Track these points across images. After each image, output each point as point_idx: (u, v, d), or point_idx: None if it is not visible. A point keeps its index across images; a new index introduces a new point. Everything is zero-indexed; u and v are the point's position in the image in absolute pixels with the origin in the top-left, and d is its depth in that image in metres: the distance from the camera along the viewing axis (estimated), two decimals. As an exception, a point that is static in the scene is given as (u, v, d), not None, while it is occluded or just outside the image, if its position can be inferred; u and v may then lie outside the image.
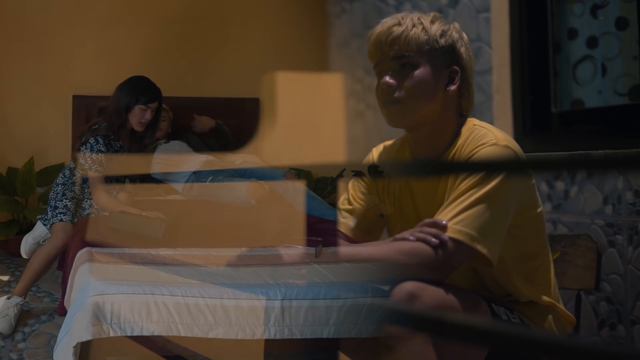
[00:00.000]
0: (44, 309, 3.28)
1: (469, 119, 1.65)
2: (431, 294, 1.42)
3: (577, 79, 2.63)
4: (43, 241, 3.26)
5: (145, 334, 1.89)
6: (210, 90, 4.46)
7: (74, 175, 3.19)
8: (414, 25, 1.59)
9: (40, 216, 3.29)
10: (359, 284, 1.97)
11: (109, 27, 4.37)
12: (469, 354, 1.48)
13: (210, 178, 3.55)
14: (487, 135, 1.56)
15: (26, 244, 3.33)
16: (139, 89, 3.17)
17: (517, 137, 2.52)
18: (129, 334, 1.88)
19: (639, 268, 2.20)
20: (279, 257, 1.85)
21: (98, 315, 1.87)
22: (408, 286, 1.41)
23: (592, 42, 2.57)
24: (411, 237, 1.48)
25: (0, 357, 2.91)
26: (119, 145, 3.18)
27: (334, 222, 1.78)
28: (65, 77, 4.29)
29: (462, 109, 1.65)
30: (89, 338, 1.85)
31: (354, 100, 3.95)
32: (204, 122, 4.14)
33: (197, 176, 3.59)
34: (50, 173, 3.98)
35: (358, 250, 1.58)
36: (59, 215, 3.13)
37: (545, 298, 1.66)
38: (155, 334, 1.89)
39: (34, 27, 4.29)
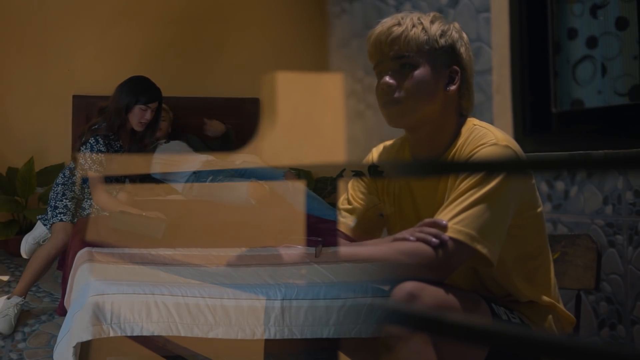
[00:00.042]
0: (44, 309, 3.28)
1: (469, 119, 1.65)
2: (431, 294, 1.42)
3: (576, 79, 2.63)
4: (43, 241, 3.26)
5: (145, 334, 1.89)
6: (210, 90, 4.46)
7: (74, 175, 3.19)
8: (413, 26, 1.59)
9: (40, 216, 3.29)
10: (359, 284, 1.97)
11: (109, 27, 4.37)
12: (469, 354, 1.48)
13: (210, 178, 3.55)
14: (487, 135, 1.56)
15: (26, 244, 3.33)
16: (139, 89, 3.17)
17: (517, 137, 2.52)
18: (129, 334, 1.88)
19: (639, 268, 2.20)
20: (279, 257, 1.85)
21: (98, 315, 1.87)
22: (408, 286, 1.41)
23: (592, 42, 2.57)
24: (411, 238, 1.48)
25: (0, 357, 2.91)
26: (119, 145, 3.18)
27: (334, 222, 1.78)
28: (65, 77, 4.28)
29: (462, 109, 1.65)
30: (89, 338, 1.85)
31: (354, 100, 3.95)
32: (216, 127, 4.15)
33: (197, 176, 3.59)
34: (50, 173, 3.98)
35: (358, 250, 1.58)
36: (59, 215, 3.13)
37: (545, 298, 1.66)
38: (155, 334, 1.89)
39: (34, 27, 4.29)
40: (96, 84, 4.06)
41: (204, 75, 4.49)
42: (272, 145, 3.99)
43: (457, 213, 1.48)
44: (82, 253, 2.51)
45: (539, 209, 1.64)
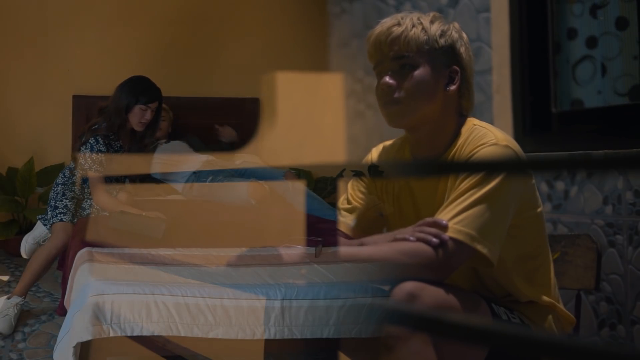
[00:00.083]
0: (44, 309, 3.28)
1: (469, 119, 1.65)
2: (431, 294, 1.42)
3: (576, 79, 2.63)
4: (43, 241, 3.26)
5: (145, 334, 1.89)
6: (210, 90, 4.46)
7: (74, 175, 3.19)
8: (413, 26, 1.59)
9: (40, 216, 3.29)
10: (359, 284, 1.97)
11: (109, 27, 4.37)
12: (469, 354, 1.48)
13: (210, 178, 3.55)
14: (487, 135, 1.56)
15: (26, 244, 3.33)
16: (139, 89, 3.17)
17: (517, 137, 2.52)
18: (129, 334, 1.88)
19: (639, 268, 2.20)
20: (279, 257, 1.85)
21: (98, 315, 1.87)
22: (408, 286, 1.41)
23: (591, 42, 2.57)
24: (411, 238, 1.48)
25: (0, 357, 2.91)
26: (119, 145, 3.18)
27: (334, 222, 1.78)
28: (65, 77, 4.28)
29: (462, 109, 1.65)
30: (89, 338, 1.85)
31: (354, 100, 3.95)
32: (229, 133, 4.17)
33: (197, 176, 3.59)
34: (50, 173, 3.98)
35: (358, 250, 1.58)
36: (59, 215, 3.13)
37: (545, 298, 1.66)
38: (155, 334, 1.89)
39: (34, 27, 4.29)
40: (96, 84, 4.06)
41: (204, 75, 4.49)
42: (272, 145, 3.99)
43: (457, 213, 1.48)
44: (82, 253, 2.52)
45: (539, 209, 1.64)
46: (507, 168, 1.02)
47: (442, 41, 1.59)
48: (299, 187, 3.70)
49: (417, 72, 1.58)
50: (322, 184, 4.19)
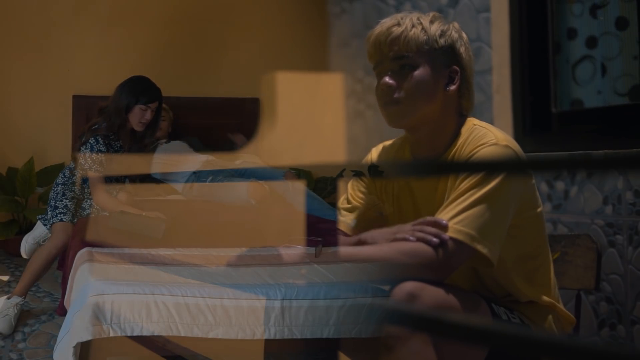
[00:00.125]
0: (44, 309, 3.28)
1: (468, 119, 1.65)
2: (431, 294, 1.42)
3: (576, 79, 2.63)
4: (43, 241, 3.26)
5: (145, 334, 1.89)
6: (210, 90, 4.46)
7: (74, 175, 3.19)
8: (413, 26, 1.59)
9: (40, 216, 3.29)
10: (359, 284, 1.97)
11: (109, 27, 4.37)
12: (469, 354, 1.48)
13: (210, 178, 3.55)
14: (487, 135, 1.56)
15: (26, 244, 3.33)
16: (139, 89, 3.17)
17: (517, 137, 2.52)
18: (129, 334, 1.88)
19: (639, 268, 2.20)
20: (279, 257, 1.85)
21: (98, 315, 1.87)
22: (408, 286, 1.41)
23: (591, 42, 2.57)
24: (412, 238, 1.48)
25: (0, 357, 2.91)
26: (119, 145, 3.18)
27: (334, 222, 1.78)
28: (65, 77, 4.28)
29: (462, 109, 1.65)
30: (89, 338, 1.85)
31: (354, 100, 3.95)
32: (242, 139, 4.18)
33: (197, 176, 3.59)
34: (50, 173, 3.98)
35: (358, 250, 1.58)
36: (59, 215, 3.13)
37: (545, 298, 1.66)
38: (155, 334, 1.89)
39: (34, 27, 4.29)
40: (96, 84, 4.06)
41: (204, 75, 4.49)
42: (272, 145, 3.99)
43: (457, 213, 1.48)
44: (82, 253, 2.52)
45: (539, 209, 1.64)
46: (507, 168, 1.02)
47: (441, 41, 1.59)
48: (299, 187, 3.70)
49: (417, 72, 1.58)
50: (322, 184, 4.19)
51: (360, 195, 1.78)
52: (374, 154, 1.81)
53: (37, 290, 3.46)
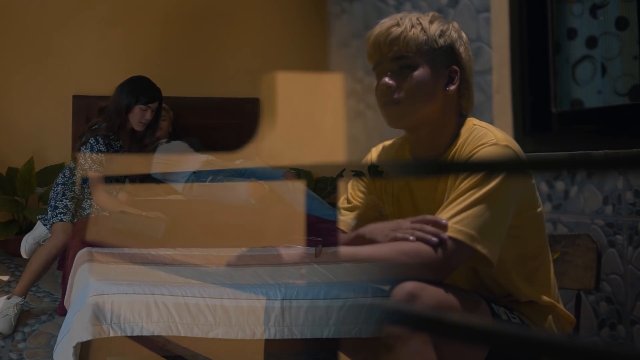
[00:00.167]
0: (44, 309, 3.28)
1: (468, 119, 1.65)
2: (431, 294, 1.42)
3: (576, 79, 2.63)
4: (43, 241, 3.26)
5: (145, 334, 1.89)
6: (210, 90, 4.46)
7: (74, 175, 3.19)
8: (412, 26, 1.58)
9: (40, 216, 3.29)
10: (359, 284, 1.97)
11: (109, 27, 4.37)
12: (469, 354, 1.48)
13: (210, 178, 3.55)
14: (487, 135, 1.56)
15: (26, 244, 3.33)
16: (139, 89, 3.17)
17: (517, 137, 2.52)
18: (129, 334, 1.88)
19: (639, 268, 2.20)
20: (279, 257, 1.85)
21: (98, 315, 1.87)
22: (408, 286, 1.41)
23: (591, 42, 2.57)
24: (411, 237, 1.48)
25: (0, 357, 2.91)
26: (119, 145, 3.18)
27: (334, 222, 1.78)
28: (65, 77, 4.28)
29: (461, 109, 1.65)
30: (89, 338, 1.85)
31: (354, 100, 3.95)
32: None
33: (197, 176, 3.59)
34: (50, 173, 3.98)
35: (358, 250, 1.58)
36: (59, 215, 3.13)
37: (545, 298, 1.66)
38: (155, 334, 1.89)
39: (34, 27, 4.29)
40: (96, 84, 4.06)
41: (204, 75, 4.49)
42: (272, 145, 3.99)
43: (457, 213, 1.48)
44: (82, 253, 2.52)
45: (539, 209, 1.64)
46: (507, 168, 1.02)
47: (441, 41, 1.59)
48: (299, 187, 3.70)
49: (416, 73, 1.58)
50: (322, 184, 4.19)
51: (360, 195, 1.78)
52: (374, 154, 1.81)
53: (37, 290, 3.46)
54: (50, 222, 3.16)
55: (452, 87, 1.61)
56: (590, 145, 2.33)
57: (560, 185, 2.51)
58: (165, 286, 2.00)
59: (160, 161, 3.67)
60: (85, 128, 3.20)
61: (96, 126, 3.15)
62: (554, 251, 1.91)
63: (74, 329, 1.87)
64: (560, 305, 1.70)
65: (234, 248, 2.60)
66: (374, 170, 1.78)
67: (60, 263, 3.19)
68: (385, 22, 1.61)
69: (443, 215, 1.50)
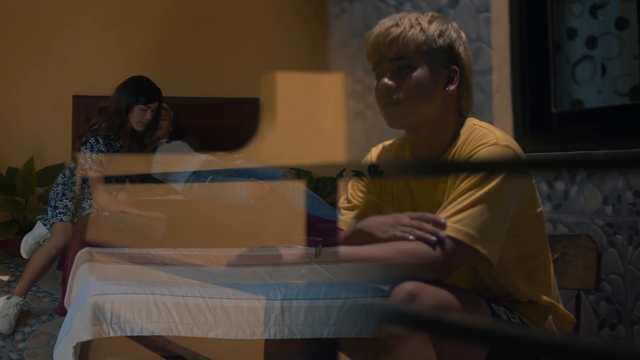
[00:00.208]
0: (44, 309, 3.28)
1: (468, 119, 1.65)
2: (431, 294, 1.42)
3: (576, 79, 2.63)
4: (43, 241, 3.26)
5: (145, 334, 1.89)
6: (210, 90, 4.46)
7: (74, 175, 3.19)
8: (411, 26, 1.58)
9: (40, 216, 3.29)
10: (359, 284, 1.97)
11: (109, 27, 4.38)
12: (469, 354, 1.48)
13: (210, 178, 3.55)
14: (487, 135, 1.55)
15: (26, 244, 3.33)
16: (139, 89, 3.17)
17: (517, 137, 2.52)
18: (129, 334, 1.88)
19: (639, 268, 2.20)
20: (279, 257, 1.85)
21: (98, 315, 1.87)
22: (408, 286, 1.41)
23: (591, 42, 2.57)
24: (411, 237, 1.48)
25: (0, 357, 2.91)
26: (119, 145, 3.18)
27: (334, 222, 1.78)
28: (65, 77, 4.29)
29: (461, 109, 1.65)
30: (89, 338, 1.85)
31: (354, 100, 3.95)
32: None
33: (197, 176, 3.59)
34: (50, 173, 3.98)
35: (358, 250, 1.58)
36: (59, 215, 3.13)
37: (545, 298, 1.66)
38: (155, 334, 1.89)
39: (34, 28, 4.29)
40: (96, 84, 4.06)
41: (204, 75, 4.49)
42: (272, 145, 3.99)
43: (457, 212, 1.48)
44: (82, 253, 2.52)
45: (539, 209, 1.64)
46: (507, 168, 1.02)
47: (440, 41, 1.59)
48: (299, 187, 3.70)
49: (415, 73, 1.58)
50: (322, 184, 4.19)
51: (360, 194, 1.78)
52: (373, 154, 1.81)
53: (37, 290, 3.46)
54: (50, 222, 3.16)
55: (452, 87, 1.61)
56: (590, 145, 2.33)
57: (560, 185, 2.51)
58: (165, 286, 2.00)
59: (161, 161, 3.67)
60: (85, 128, 3.20)
61: (96, 126, 3.15)
62: (554, 251, 1.91)
63: (74, 329, 1.87)
64: (560, 305, 1.70)
65: (234, 248, 2.60)
66: (374, 170, 1.78)
67: (60, 263, 3.19)
68: (385, 23, 1.61)
69: (443, 215, 1.50)
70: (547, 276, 1.68)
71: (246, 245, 2.51)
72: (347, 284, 1.99)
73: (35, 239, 3.31)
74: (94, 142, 3.07)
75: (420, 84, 1.58)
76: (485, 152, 1.52)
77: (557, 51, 2.68)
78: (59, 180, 3.20)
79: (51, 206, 3.16)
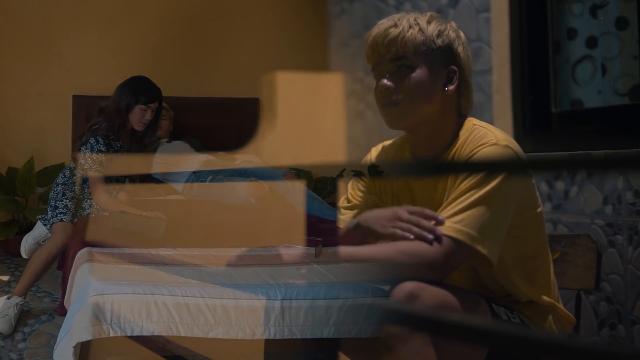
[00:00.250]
0: (44, 309, 3.28)
1: (468, 119, 1.65)
2: (431, 294, 1.42)
3: (576, 79, 2.63)
4: (43, 241, 3.26)
5: (145, 334, 1.89)
6: (210, 90, 4.46)
7: (74, 175, 3.19)
8: (410, 27, 1.58)
9: (40, 216, 3.29)
10: (359, 284, 1.97)
11: (109, 27, 4.38)
12: (469, 354, 1.48)
13: (210, 178, 3.56)
14: (487, 135, 1.55)
15: (26, 244, 3.33)
16: (139, 89, 3.17)
17: (517, 137, 2.52)
18: (129, 334, 1.88)
19: (639, 268, 2.20)
20: (279, 257, 1.85)
21: (98, 315, 1.87)
22: (408, 286, 1.41)
23: (591, 42, 2.57)
24: (411, 236, 1.48)
25: (0, 357, 2.91)
26: (119, 145, 3.18)
27: (334, 222, 1.78)
28: (65, 77, 4.29)
29: (461, 109, 1.65)
30: (89, 338, 1.85)
31: (354, 100, 3.95)
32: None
33: (197, 176, 3.59)
34: (50, 173, 3.98)
35: (358, 250, 1.58)
36: (59, 215, 3.13)
37: (545, 298, 1.66)
38: (155, 334, 1.89)
39: (34, 27, 4.29)
40: (96, 84, 4.06)
41: (204, 75, 4.49)
42: (272, 145, 3.99)
43: (457, 213, 1.48)
44: (82, 253, 2.52)
45: (539, 209, 1.64)
46: (507, 168, 1.02)
47: (439, 41, 1.59)
48: (299, 187, 3.70)
49: (415, 74, 1.58)
50: (322, 184, 4.19)
51: (360, 194, 1.78)
52: (373, 154, 1.81)
53: (37, 290, 3.46)
54: (50, 222, 3.16)
55: (451, 87, 1.61)
56: (590, 145, 2.33)
57: (560, 185, 2.51)
58: (165, 286, 2.00)
59: (161, 161, 3.67)
60: (85, 128, 3.20)
61: (96, 126, 3.15)
62: (554, 251, 1.91)
63: (74, 329, 1.87)
64: (560, 305, 1.70)
65: (234, 248, 2.60)
66: (374, 170, 1.78)
67: (60, 263, 3.19)
68: (383, 23, 1.61)
69: (443, 215, 1.50)
70: (547, 276, 1.68)
71: (246, 245, 2.51)
72: (347, 284, 1.99)
73: (35, 239, 3.31)
74: (94, 142, 3.07)
75: (419, 84, 1.58)
76: (486, 152, 1.52)
77: (557, 51, 2.68)
78: (59, 180, 3.20)
79: (51, 206, 3.16)
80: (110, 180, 3.15)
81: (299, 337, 1.94)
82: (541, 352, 0.63)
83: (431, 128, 1.62)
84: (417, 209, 1.53)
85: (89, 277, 2.11)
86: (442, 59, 1.60)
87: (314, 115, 4.04)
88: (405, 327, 1.34)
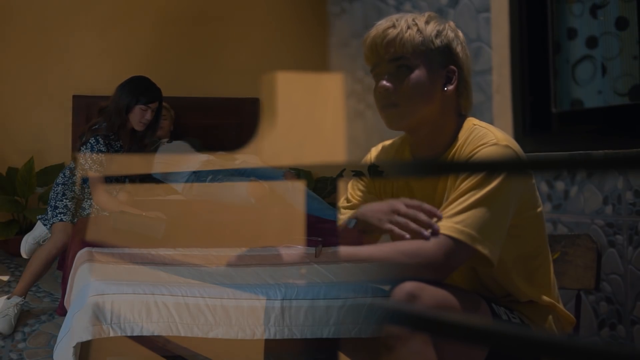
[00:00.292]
0: (44, 309, 3.28)
1: (468, 119, 1.65)
2: (431, 294, 1.42)
3: (576, 79, 2.63)
4: (43, 241, 3.26)
5: (145, 334, 1.89)
6: (210, 90, 4.46)
7: (74, 175, 3.19)
8: (408, 27, 1.58)
9: (40, 216, 3.29)
10: (359, 284, 1.97)
11: (109, 27, 4.38)
12: (469, 354, 1.48)
13: (210, 178, 3.56)
14: (488, 135, 1.55)
15: (26, 244, 3.33)
16: (139, 89, 3.17)
17: (517, 137, 2.52)
18: (129, 334, 1.88)
19: (639, 268, 2.20)
20: (279, 257, 1.85)
21: (98, 315, 1.87)
22: (408, 286, 1.41)
23: (591, 42, 2.57)
24: (407, 235, 1.48)
25: (0, 357, 2.91)
26: (119, 145, 3.18)
27: (334, 222, 1.78)
28: (65, 77, 4.29)
29: (461, 109, 1.65)
30: (89, 338, 1.85)
31: (354, 100, 3.95)
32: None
33: (197, 176, 3.59)
34: (50, 173, 3.98)
35: (358, 250, 1.58)
36: (59, 215, 3.13)
37: (545, 298, 1.66)
38: (155, 334, 1.89)
39: (34, 27, 4.29)
40: (96, 84, 4.06)
41: (204, 75, 4.49)
42: (272, 145, 3.99)
43: (457, 213, 1.48)
44: (82, 253, 2.52)
45: (539, 209, 1.64)
46: (507, 168, 1.02)
47: (437, 41, 1.59)
48: (299, 187, 3.70)
49: (414, 74, 1.58)
50: (322, 184, 4.19)
51: (360, 194, 1.78)
52: (373, 154, 1.81)
53: (37, 290, 3.46)
54: (50, 222, 3.16)
55: (450, 87, 1.61)
56: (590, 145, 2.33)
57: (560, 185, 2.51)
58: (165, 286, 2.00)
59: (161, 161, 3.67)
60: (85, 128, 3.20)
61: (96, 126, 3.15)
62: (554, 251, 1.91)
63: (74, 329, 1.87)
64: (560, 305, 1.70)
65: (234, 248, 2.60)
66: (374, 170, 1.78)
67: (60, 263, 3.19)
68: (382, 24, 1.61)
69: (443, 216, 1.50)
70: (547, 276, 1.68)
71: (246, 245, 2.51)
72: (347, 284, 1.99)
73: (35, 239, 3.31)
74: (94, 142, 3.07)
75: (418, 85, 1.57)
76: (486, 152, 1.52)
77: (557, 51, 2.68)
78: (59, 180, 3.20)
79: (51, 206, 3.16)
80: (110, 180, 3.15)
81: (299, 337, 1.94)
82: (541, 352, 0.63)
83: (431, 128, 1.62)
84: (415, 202, 1.52)
85: (89, 277, 2.11)
86: (441, 59, 1.60)
87: (314, 115, 4.04)
88: (405, 327, 1.34)
